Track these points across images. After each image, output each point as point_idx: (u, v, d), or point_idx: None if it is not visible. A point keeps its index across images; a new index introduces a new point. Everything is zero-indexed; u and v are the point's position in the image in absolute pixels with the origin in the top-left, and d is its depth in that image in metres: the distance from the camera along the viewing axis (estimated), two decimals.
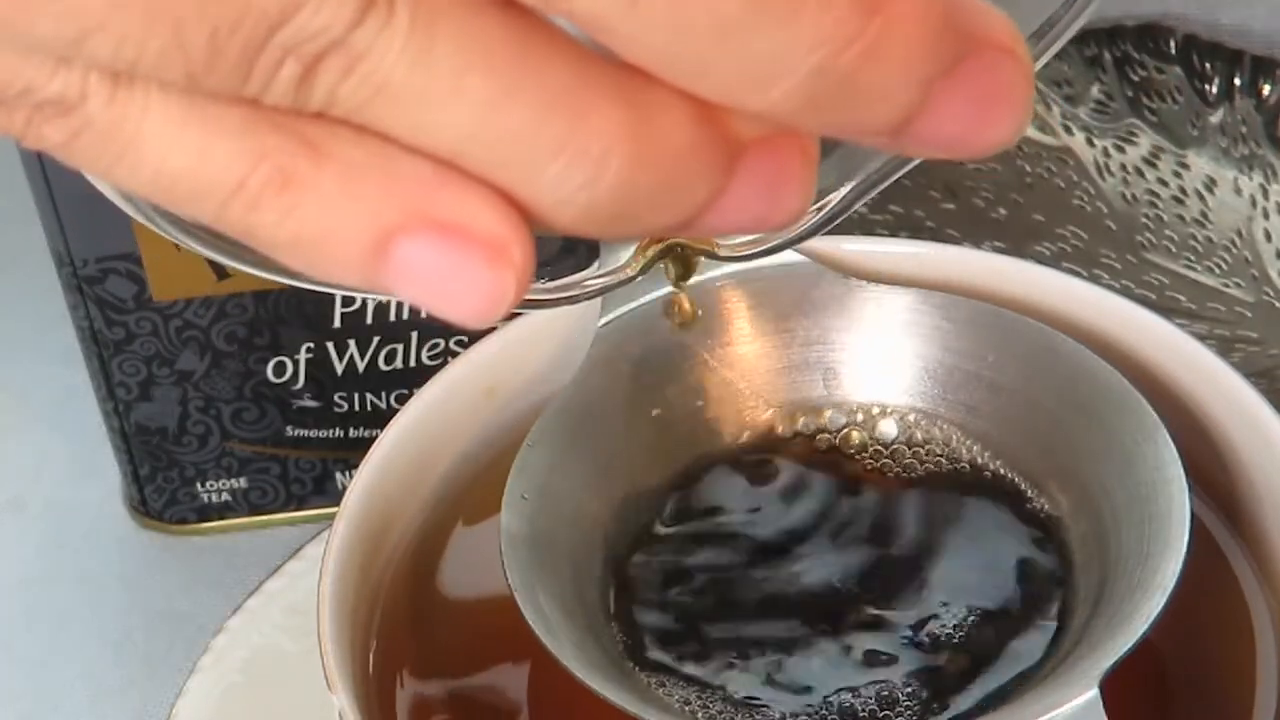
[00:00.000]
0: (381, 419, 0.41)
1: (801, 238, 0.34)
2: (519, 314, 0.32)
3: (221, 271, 0.47)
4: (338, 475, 0.52)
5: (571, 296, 0.33)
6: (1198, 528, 0.37)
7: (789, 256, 0.39)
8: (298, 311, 0.48)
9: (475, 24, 0.21)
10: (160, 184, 0.23)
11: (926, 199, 0.57)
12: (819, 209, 0.32)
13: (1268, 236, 0.55)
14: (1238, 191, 0.56)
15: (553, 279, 0.33)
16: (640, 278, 0.34)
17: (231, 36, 0.21)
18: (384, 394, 0.50)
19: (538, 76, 0.21)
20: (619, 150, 0.22)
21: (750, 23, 0.21)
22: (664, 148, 0.22)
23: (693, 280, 0.38)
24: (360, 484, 0.39)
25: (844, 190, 0.32)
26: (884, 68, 0.21)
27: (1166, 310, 0.52)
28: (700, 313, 0.39)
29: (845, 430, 0.40)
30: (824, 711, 0.35)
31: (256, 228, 0.23)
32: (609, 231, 0.23)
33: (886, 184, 0.32)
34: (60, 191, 0.46)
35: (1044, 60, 0.28)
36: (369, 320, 0.49)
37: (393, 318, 0.49)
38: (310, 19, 0.21)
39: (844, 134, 0.23)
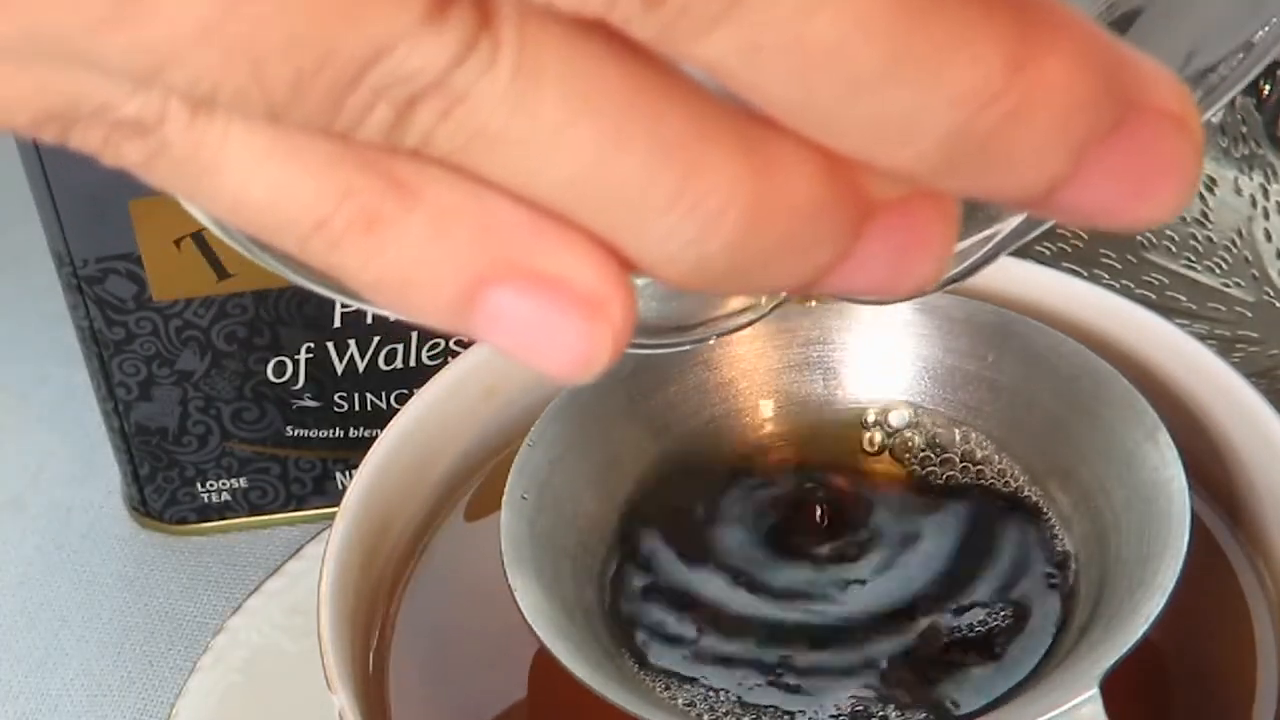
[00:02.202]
0: (381, 419, 0.41)
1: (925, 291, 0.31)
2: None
3: (222, 271, 0.47)
4: (338, 475, 0.52)
5: (678, 342, 0.30)
6: (1198, 527, 0.36)
7: None
8: (298, 311, 0.48)
9: (585, 69, 0.20)
10: (240, 213, 0.21)
11: None
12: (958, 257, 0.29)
13: (1268, 236, 0.55)
14: (1238, 191, 0.56)
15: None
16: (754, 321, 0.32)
17: (316, 77, 0.19)
18: (384, 394, 0.50)
19: (650, 126, 0.20)
20: (735, 206, 0.20)
21: (888, 79, 0.19)
22: (785, 205, 0.20)
23: None
24: (360, 484, 0.39)
25: (985, 247, 0.29)
26: (1030, 131, 0.19)
27: (1166, 310, 0.52)
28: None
29: (846, 430, 0.40)
30: (825, 712, 0.35)
31: (339, 267, 0.21)
32: (720, 289, 0.21)
33: (1028, 239, 0.28)
34: (60, 191, 0.46)
35: (1211, 113, 0.26)
36: (369, 320, 0.49)
37: (393, 317, 0.48)
38: (405, 60, 0.19)
39: (984, 197, 0.21)
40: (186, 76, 0.20)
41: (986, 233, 0.28)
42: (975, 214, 0.28)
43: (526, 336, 0.21)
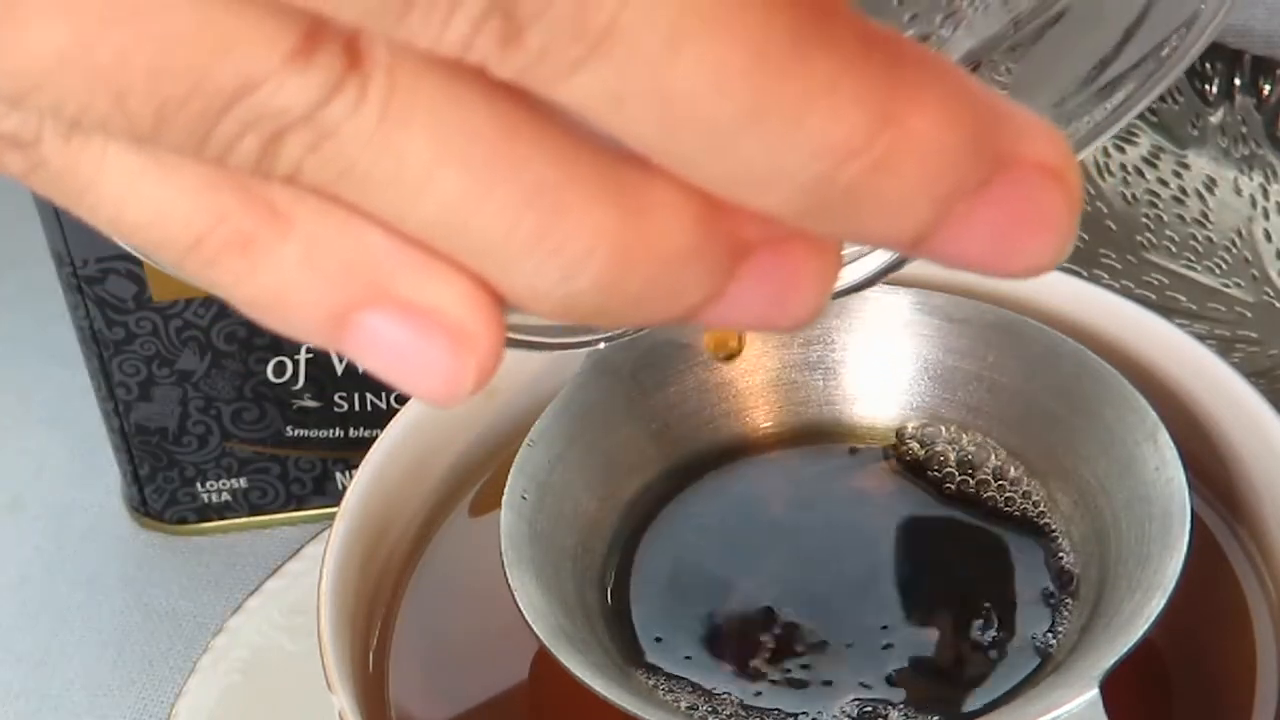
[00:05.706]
0: (381, 419, 0.41)
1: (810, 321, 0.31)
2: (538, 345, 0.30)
3: None
4: (338, 475, 0.52)
5: (584, 341, 0.30)
6: (1198, 527, 0.36)
7: None
8: None
9: (455, 113, 0.20)
10: (119, 228, 0.22)
11: None
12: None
13: (1268, 236, 0.55)
14: (1238, 191, 0.56)
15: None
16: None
17: (181, 109, 0.20)
18: (384, 394, 0.50)
19: (518, 170, 0.20)
20: (602, 250, 0.20)
21: (747, 129, 0.19)
22: (654, 249, 0.20)
23: None
24: (360, 484, 0.39)
25: (868, 267, 0.29)
26: (894, 183, 0.19)
27: (1166, 310, 0.52)
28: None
29: (846, 431, 0.40)
30: (828, 713, 0.35)
31: (214, 284, 0.22)
32: (593, 323, 0.22)
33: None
34: None
35: (1164, 85, 0.26)
36: None
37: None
38: (271, 96, 0.19)
39: (853, 241, 0.21)
40: (50, 102, 0.20)
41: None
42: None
43: (395, 361, 0.22)
